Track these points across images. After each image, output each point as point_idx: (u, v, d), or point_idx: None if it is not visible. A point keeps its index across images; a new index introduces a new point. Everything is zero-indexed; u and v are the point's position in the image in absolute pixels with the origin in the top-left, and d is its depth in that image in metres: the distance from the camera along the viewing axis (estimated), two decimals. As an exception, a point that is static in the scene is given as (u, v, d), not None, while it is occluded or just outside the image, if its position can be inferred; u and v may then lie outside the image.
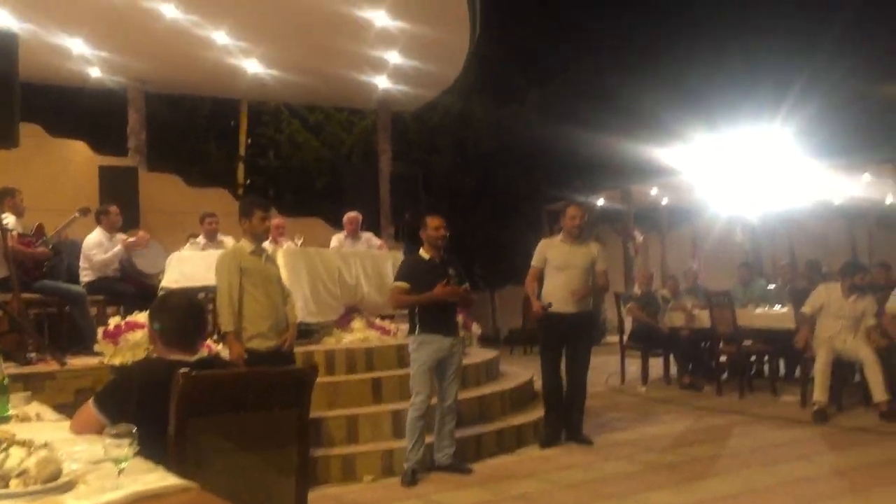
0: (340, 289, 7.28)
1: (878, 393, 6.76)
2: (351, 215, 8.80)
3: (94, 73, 11.70)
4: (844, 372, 7.34)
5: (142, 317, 5.44)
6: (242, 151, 18.51)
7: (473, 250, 15.00)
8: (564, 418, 6.29)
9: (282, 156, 17.89)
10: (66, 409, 3.10)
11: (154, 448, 2.13)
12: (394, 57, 11.50)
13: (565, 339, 6.17)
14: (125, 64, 11.45)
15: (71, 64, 11.22)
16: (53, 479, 1.77)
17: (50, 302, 6.15)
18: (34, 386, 4.80)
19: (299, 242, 7.50)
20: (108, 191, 10.66)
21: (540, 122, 16.05)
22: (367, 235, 8.89)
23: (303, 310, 6.40)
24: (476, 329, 7.80)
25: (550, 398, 6.27)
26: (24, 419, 2.73)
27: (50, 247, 6.13)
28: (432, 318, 5.33)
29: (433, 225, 5.44)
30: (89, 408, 2.58)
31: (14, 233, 5.93)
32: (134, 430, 1.85)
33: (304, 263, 6.90)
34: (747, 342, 8.63)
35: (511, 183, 16.81)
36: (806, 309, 7.35)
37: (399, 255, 8.12)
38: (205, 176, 15.95)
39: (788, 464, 5.49)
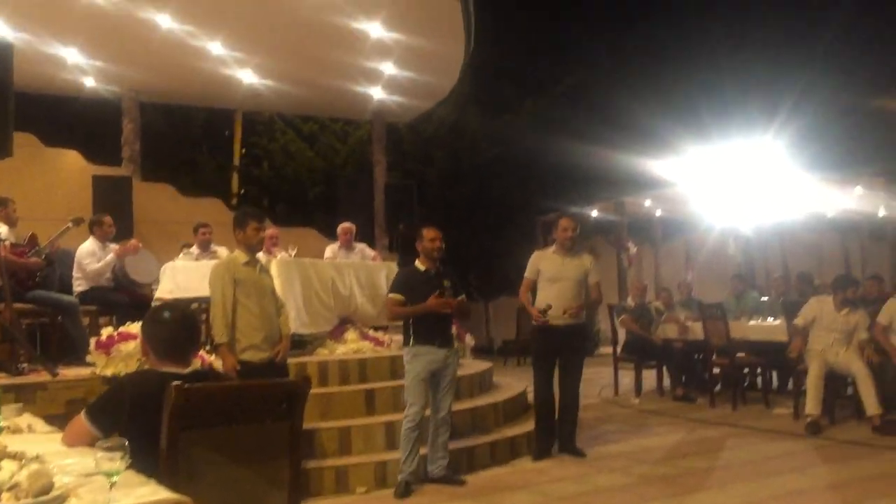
0: (334, 300, 7.27)
1: (871, 406, 6.77)
2: (345, 226, 8.80)
3: (89, 82, 11.70)
4: (837, 384, 7.37)
5: (134, 327, 5.42)
6: (237, 161, 18.49)
7: (468, 261, 14.99)
8: (557, 430, 6.29)
9: (275, 166, 17.89)
10: (58, 420, 3.09)
11: (146, 461, 2.12)
12: (389, 68, 11.53)
13: (558, 350, 6.16)
14: (120, 74, 11.46)
15: (66, 73, 11.22)
16: (45, 493, 1.76)
17: (42, 312, 6.12)
18: (25, 396, 4.78)
19: (293, 253, 7.50)
20: (102, 200, 10.65)
21: (534, 134, 16.09)
22: (361, 246, 8.89)
23: (295, 321, 6.39)
24: (470, 340, 7.81)
25: (542, 409, 6.26)
26: (16, 431, 2.72)
27: (43, 257, 6.11)
28: (427, 329, 5.33)
29: (429, 236, 5.45)
30: (81, 420, 2.57)
31: (7, 243, 5.91)
32: (126, 444, 1.84)
33: (297, 274, 6.90)
34: (740, 354, 8.64)
35: (505, 194, 16.84)
36: (798, 321, 7.38)
37: (393, 266, 8.11)
38: (199, 186, 15.94)
39: (781, 476, 5.49)
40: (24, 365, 5.43)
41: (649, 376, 9.44)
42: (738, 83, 17.77)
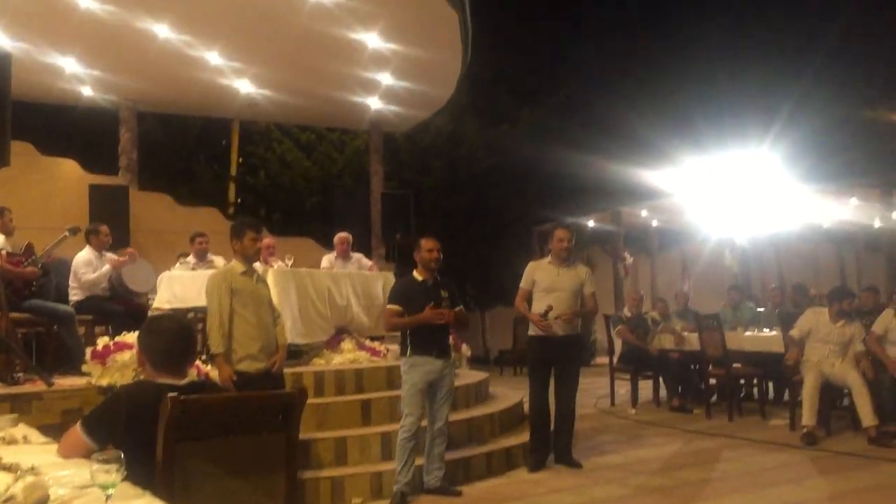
0: (330, 310, 7.26)
1: (867, 418, 6.78)
2: (341, 236, 8.80)
3: (87, 91, 11.71)
4: (833, 396, 7.37)
5: (130, 337, 5.41)
6: (233, 171, 18.52)
7: (465, 271, 15.01)
8: (554, 440, 6.28)
9: (272, 175, 17.91)
10: (53, 430, 3.08)
11: (142, 473, 2.12)
12: (386, 78, 11.56)
13: (554, 360, 6.16)
14: (117, 83, 11.47)
15: (63, 83, 11.23)
16: (40, 506, 1.76)
17: (38, 321, 6.11)
18: (21, 406, 4.77)
19: (290, 263, 7.49)
20: (99, 209, 10.63)
21: (531, 144, 16.13)
22: (358, 256, 8.88)
23: (291, 330, 6.37)
24: (466, 350, 7.79)
25: (537, 420, 6.25)
26: (11, 442, 2.71)
27: (39, 266, 6.10)
28: (424, 339, 5.33)
29: (427, 247, 5.45)
30: (77, 431, 2.57)
31: (3, 252, 5.92)
32: (121, 456, 1.84)
33: (293, 284, 6.89)
34: (737, 365, 8.65)
35: (502, 204, 16.87)
36: (794, 333, 7.40)
37: (390, 276, 8.12)
38: (195, 195, 15.96)
39: (778, 488, 5.49)
40: (20, 374, 5.41)
41: (646, 387, 9.44)
42: (734, 94, 17.88)
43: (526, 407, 6.87)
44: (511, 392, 8.12)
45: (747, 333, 8.80)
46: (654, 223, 16.56)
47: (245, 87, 11.79)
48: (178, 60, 10.45)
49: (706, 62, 18.42)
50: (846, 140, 14.68)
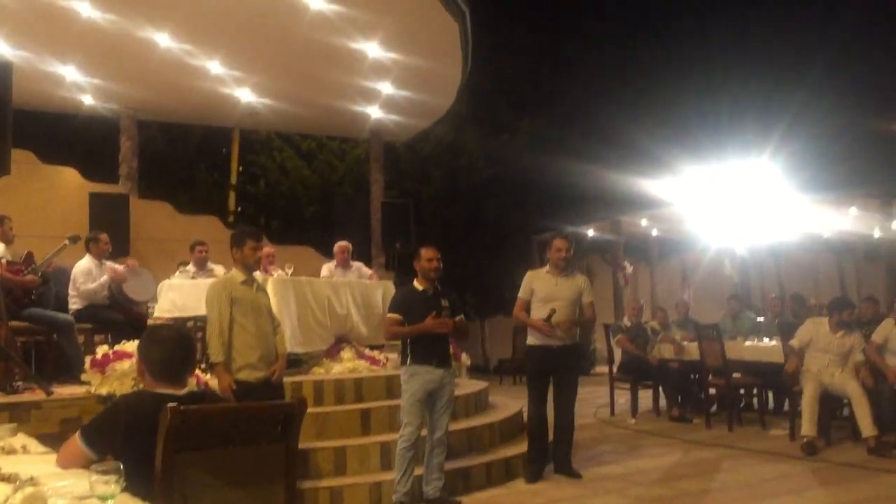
0: (330, 319, 7.25)
1: (867, 428, 6.77)
2: (341, 244, 8.80)
3: (87, 100, 11.74)
4: (832, 406, 7.36)
5: (130, 346, 5.41)
6: (234, 179, 18.54)
7: (464, 280, 15.01)
8: (553, 450, 6.27)
9: (272, 183, 17.93)
10: (52, 439, 3.08)
11: (141, 483, 2.12)
12: (386, 88, 11.59)
13: (552, 370, 6.15)
14: (118, 92, 11.49)
15: (64, 91, 11.25)
16: (39, 516, 1.76)
17: (38, 330, 6.11)
18: (20, 415, 4.77)
19: (290, 271, 7.49)
20: (99, 218, 10.63)
21: (531, 153, 16.17)
22: (358, 265, 8.88)
23: (291, 339, 6.36)
24: (466, 359, 7.78)
25: (535, 430, 6.23)
26: (10, 452, 2.71)
27: (39, 274, 6.11)
28: (424, 349, 5.32)
29: (427, 256, 5.45)
30: (76, 442, 2.56)
31: (3, 260, 5.92)
32: (120, 467, 1.84)
33: (293, 293, 6.88)
34: (736, 375, 8.63)
35: (502, 213, 16.89)
36: (794, 343, 7.40)
37: (389, 285, 8.11)
38: (196, 203, 15.97)
39: (777, 499, 5.48)
40: (19, 383, 5.41)
41: (645, 396, 9.43)
42: (733, 104, 17.92)
43: (525, 417, 6.87)
44: (511, 401, 8.10)
45: (747, 343, 8.79)
46: (654, 232, 16.57)
47: (246, 95, 11.82)
48: (179, 69, 10.47)
49: (706, 72, 18.51)
50: (846, 150, 14.72)
